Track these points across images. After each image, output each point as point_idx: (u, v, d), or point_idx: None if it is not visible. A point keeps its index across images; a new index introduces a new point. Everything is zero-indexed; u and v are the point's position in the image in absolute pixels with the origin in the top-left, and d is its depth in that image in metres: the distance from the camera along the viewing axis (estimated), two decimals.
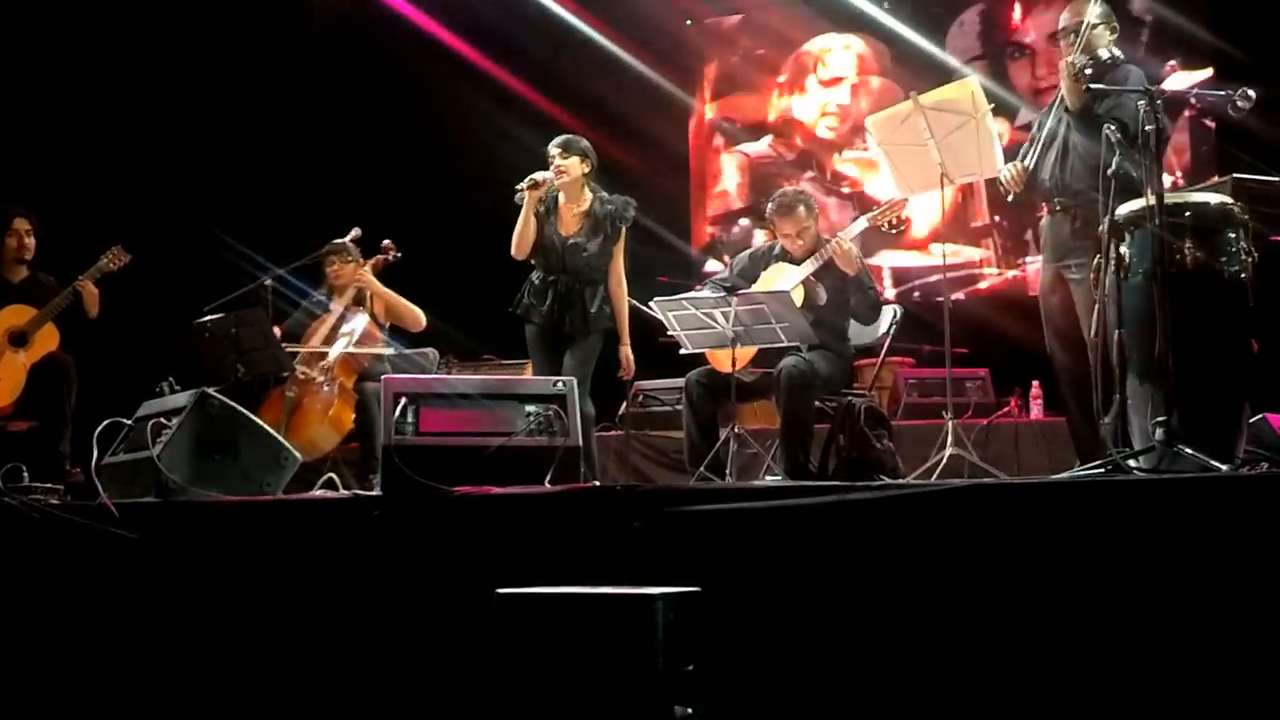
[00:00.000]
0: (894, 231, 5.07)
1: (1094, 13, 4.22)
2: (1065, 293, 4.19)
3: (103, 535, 3.33)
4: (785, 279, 4.74)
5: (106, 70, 6.83)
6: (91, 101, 6.79)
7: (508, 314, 4.99)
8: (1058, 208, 4.26)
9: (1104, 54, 4.04)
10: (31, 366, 5.09)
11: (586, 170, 4.86)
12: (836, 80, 8.11)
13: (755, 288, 4.77)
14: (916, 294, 7.56)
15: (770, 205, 4.86)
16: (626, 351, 4.96)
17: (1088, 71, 4.03)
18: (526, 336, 4.93)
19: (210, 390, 3.84)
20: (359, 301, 5.49)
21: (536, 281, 4.88)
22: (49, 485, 3.84)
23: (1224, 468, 3.02)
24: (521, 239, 4.80)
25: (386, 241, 5.56)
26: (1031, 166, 4.29)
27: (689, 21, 8.42)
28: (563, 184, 4.81)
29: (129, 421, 3.91)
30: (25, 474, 3.72)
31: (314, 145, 7.75)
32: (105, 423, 3.79)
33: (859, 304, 4.72)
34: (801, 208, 4.77)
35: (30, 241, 5.24)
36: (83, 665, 3.34)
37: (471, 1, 7.70)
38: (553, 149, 4.85)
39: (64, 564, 3.38)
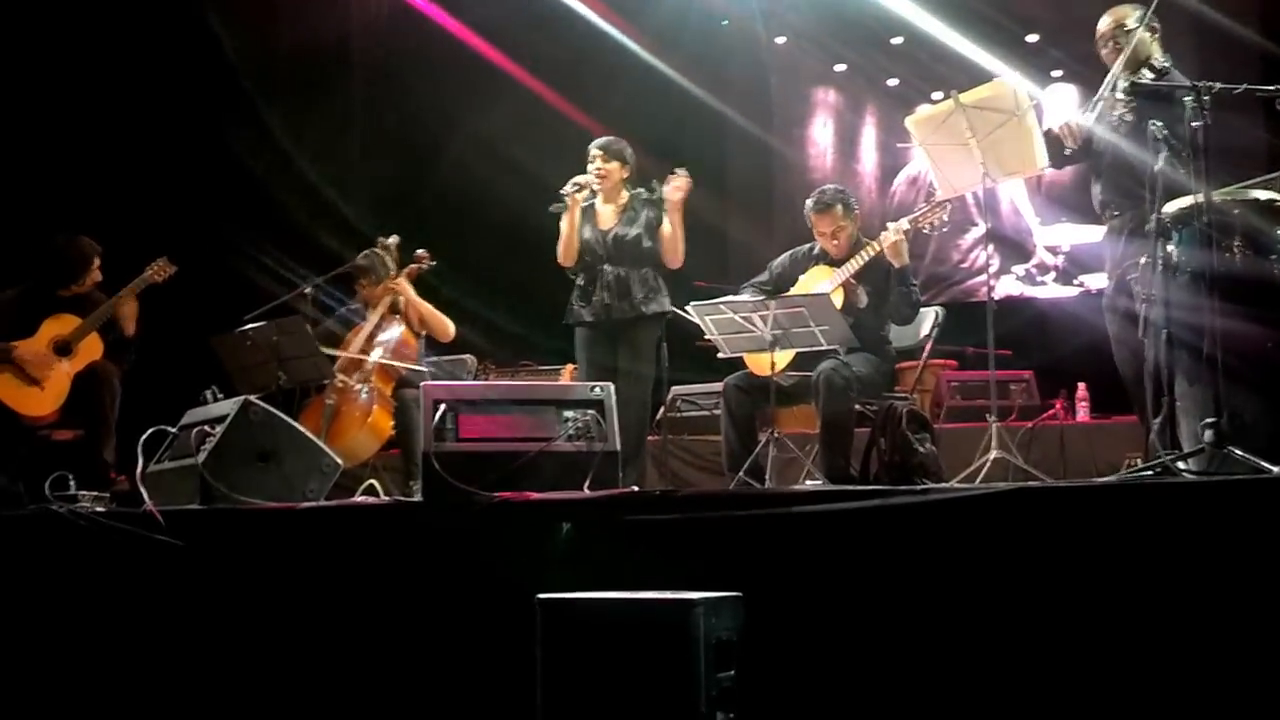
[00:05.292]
0: (935, 232, 5.02)
1: (1134, 17, 4.18)
2: (1129, 300, 4.13)
3: (148, 542, 3.37)
4: (825, 281, 4.71)
5: (148, 86, 6.93)
6: (136, 117, 6.88)
7: (543, 320, 4.99)
8: (1115, 215, 4.22)
9: (1148, 73, 3.99)
10: (75, 375, 5.15)
11: (626, 175, 4.88)
12: None
13: (794, 290, 4.74)
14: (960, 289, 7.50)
15: (809, 202, 4.82)
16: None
17: (1122, 95, 4.00)
18: (576, 341, 4.92)
19: (252, 398, 3.88)
20: (395, 310, 5.52)
21: (582, 283, 4.88)
22: (95, 493, 3.88)
23: (1275, 470, 2.96)
24: (569, 245, 4.81)
25: (421, 251, 5.60)
26: (1089, 127, 4.22)
27: (725, 22, 8.40)
28: (602, 187, 4.83)
29: (173, 430, 3.95)
30: (71, 482, 3.77)
31: (352, 154, 7.81)
32: (150, 431, 3.83)
33: (899, 300, 4.65)
34: (839, 206, 4.72)
35: (99, 276, 5.32)
36: (130, 670, 3.37)
37: (506, 13, 7.74)
38: (594, 149, 4.87)
39: (110, 571, 3.43)
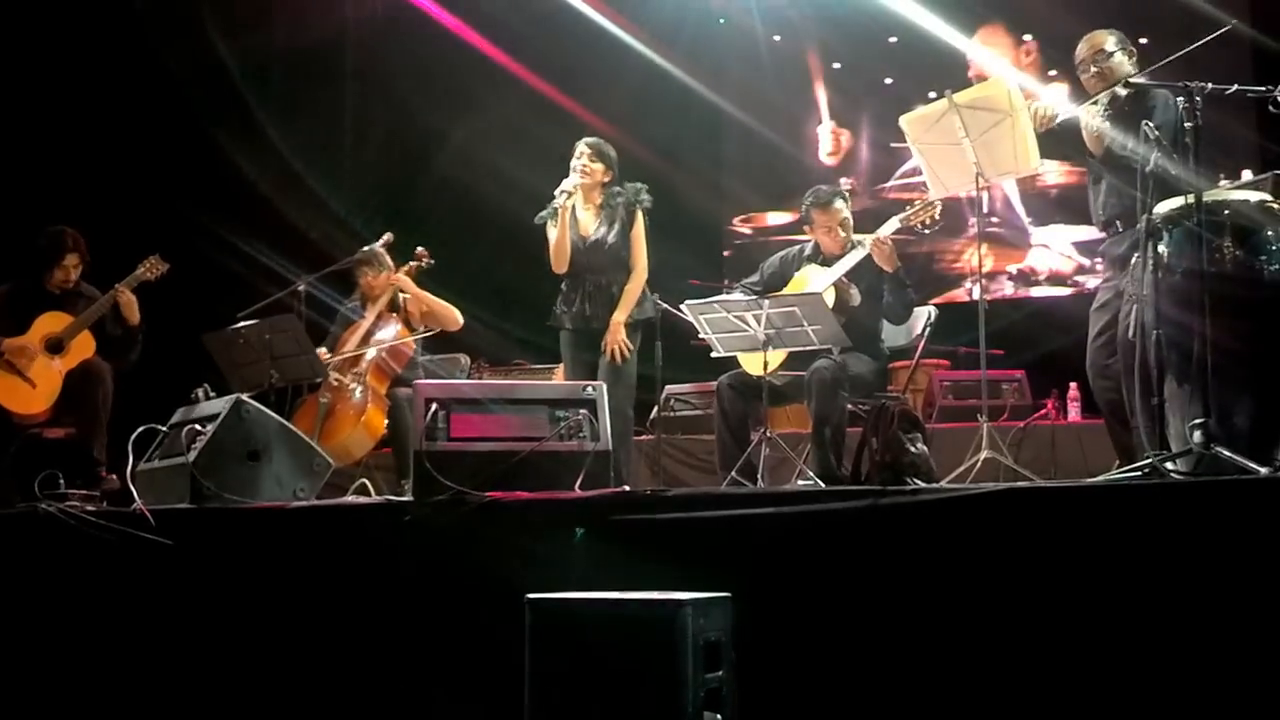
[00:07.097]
0: (927, 231, 5.02)
1: (1111, 41, 4.19)
2: (1118, 305, 4.13)
3: (138, 541, 3.36)
4: (817, 281, 4.71)
5: (142, 84, 6.92)
6: (128, 114, 6.87)
7: (536, 320, 4.99)
8: (1118, 230, 4.24)
9: (1121, 90, 4.00)
10: (67, 373, 5.14)
11: (606, 180, 4.89)
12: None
13: (786, 291, 4.75)
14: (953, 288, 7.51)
15: (808, 199, 4.86)
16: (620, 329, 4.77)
17: (1106, 126, 4.00)
18: (561, 344, 4.94)
19: (244, 397, 3.87)
20: (393, 309, 5.52)
21: (565, 288, 4.90)
22: (85, 492, 3.88)
23: (1263, 470, 2.96)
24: (560, 251, 4.82)
25: (420, 249, 5.60)
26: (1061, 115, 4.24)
27: (722, 20, 8.39)
28: (582, 185, 4.83)
29: (164, 428, 3.94)
30: (61, 481, 3.76)
31: (347, 152, 7.80)
32: (140, 429, 3.82)
33: (896, 301, 4.69)
34: (839, 200, 4.81)
35: (75, 275, 5.29)
36: (119, 669, 3.37)
37: (503, 10, 7.73)
38: (583, 146, 4.87)
39: (100, 570, 3.42)
